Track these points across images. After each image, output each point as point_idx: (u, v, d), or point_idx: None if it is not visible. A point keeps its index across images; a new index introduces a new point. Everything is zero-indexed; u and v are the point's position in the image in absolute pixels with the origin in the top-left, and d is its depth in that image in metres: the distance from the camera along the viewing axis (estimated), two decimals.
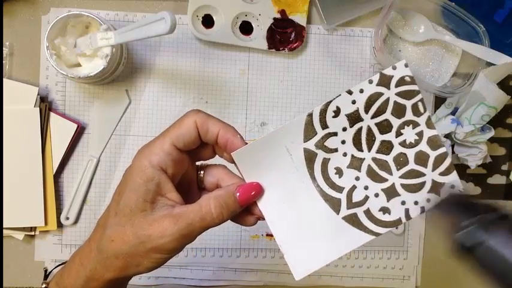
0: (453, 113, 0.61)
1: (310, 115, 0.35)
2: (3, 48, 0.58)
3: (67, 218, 0.60)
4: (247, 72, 0.62)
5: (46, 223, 0.58)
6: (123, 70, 0.60)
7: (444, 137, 0.61)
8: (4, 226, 0.57)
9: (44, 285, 0.38)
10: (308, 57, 0.63)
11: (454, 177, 0.36)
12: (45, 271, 0.41)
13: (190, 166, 0.37)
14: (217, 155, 0.38)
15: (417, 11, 0.62)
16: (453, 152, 0.63)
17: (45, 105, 0.58)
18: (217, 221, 0.34)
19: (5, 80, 0.57)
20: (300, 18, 0.60)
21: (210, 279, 0.63)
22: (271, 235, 0.63)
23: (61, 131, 0.58)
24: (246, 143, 0.35)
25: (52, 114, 0.58)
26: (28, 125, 0.57)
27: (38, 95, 0.57)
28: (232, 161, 0.35)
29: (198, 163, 0.38)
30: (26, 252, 0.60)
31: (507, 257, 0.30)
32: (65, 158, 0.59)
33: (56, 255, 0.60)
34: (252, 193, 0.35)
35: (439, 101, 0.64)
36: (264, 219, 0.36)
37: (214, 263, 0.63)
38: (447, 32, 0.63)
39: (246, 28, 0.60)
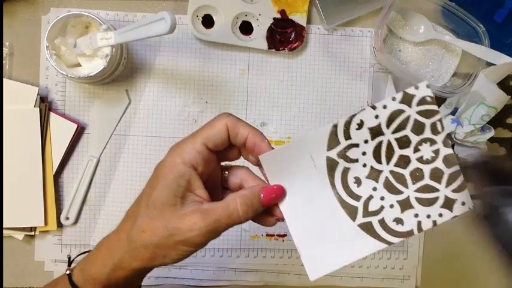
0: (453, 113, 0.62)
1: (335, 126, 0.37)
2: (3, 48, 0.58)
3: (67, 218, 0.60)
4: (247, 72, 0.62)
5: (46, 223, 0.58)
6: (123, 70, 0.60)
7: None
8: (4, 226, 0.57)
9: (68, 272, 0.39)
10: (308, 57, 0.63)
11: (465, 195, 0.37)
12: (69, 258, 0.42)
13: (216, 166, 0.38)
14: (242, 157, 0.39)
15: (417, 11, 0.62)
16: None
17: (45, 105, 0.58)
18: (242, 219, 0.35)
19: (5, 80, 0.57)
20: (300, 18, 0.60)
21: (210, 279, 0.63)
22: (271, 235, 0.63)
23: (61, 131, 0.58)
24: (273, 148, 0.36)
25: (52, 114, 0.58)
26: (28, 125, 0.57)
27: (38, 95, 0.57)
28: (257, 164, 0.37)
29: (222, 163, 0.39)
30: (26, 252, 0.60)
31: None
32: (65, 158, 0.59)
33: (56, 255, 0.60)
34: (275, 195, 0.37)
35: (439, 101, 0.64)
36: (283, 220, 0.38)
37: (214, 263, 0.63)
38: (447, 32, 0.63)
39: (246, 28, 0.61)
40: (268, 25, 0.60)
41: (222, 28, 0.59)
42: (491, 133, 0.61)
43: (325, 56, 0.63)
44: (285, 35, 0.61)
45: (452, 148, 0.62)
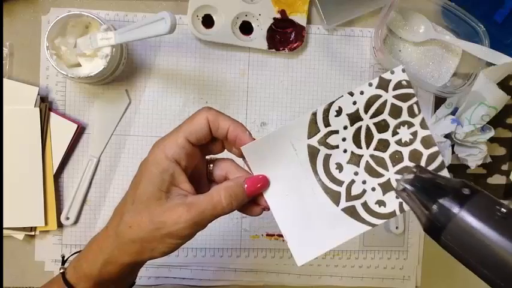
0: (453, 113, 0.61)
1: (315, 114, 0.37)
2: (3, 48, 0.58)
3: (67, 218, 0.60)
4: (247, 72, 0.62)
5: (46, 223, 0.58)
6: (123, 70, 0.60)
7: (444, 137, 0.61)
8: (4, 226, 0.57)
9: (61, 270, 0.40)
10: (308, 57, 0.63)
11: (444, 174, 0.38)
12: (63, 257, 0.43)
13: (200, 160, 0.39)
14: (226, 150, 0.40)
15: (417, 11, 0.62)
16: (453, 152, 0.63)
17: (45, 105, 0.58)
18: (226, 210, 0.36)
19: (5, 80, 0.57)
20: (300, 18, 0.60)
21: (210, 279, 0.63)
22: (271, 235, 0.63)
23: (61, 131, 0.58)
24: (254, 139, 0.37)
25: (52, 114, 0.58)
26: (28, 125, 0.57)
27: (38, 95, 0.57)
28: (241, 156, 0.37)
29: (207, 157, 0.40)
30: (26, 252, 0.60)
31: (481, 231, 0.30)
32: (65, 158, 0.59)
33: (56, 255, 0.60)
34: (259, 185, 0.37)
35: (439, 101, 0.64)
36: (269, 209, 0.38)
37: (214, 263, 0.63)
38: (447, 32, 0.63)
39: (246, 28, 0.60)
40: (268, 25, 0.60)
41: (222, 28, 0.59)
42: (491, 133, 0.61)
43: (325, 56, 0.63)
44: (285, 35, 0.61)
45: (452, 148, 0.62)
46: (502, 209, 0.30)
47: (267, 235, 0.63)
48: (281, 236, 0.63)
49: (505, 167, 0.67)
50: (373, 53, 0.62)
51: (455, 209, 0.31)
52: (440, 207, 0.32)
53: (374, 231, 0.65)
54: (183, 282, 0.62)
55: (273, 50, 0.61)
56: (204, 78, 0.61)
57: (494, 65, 0.59)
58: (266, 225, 0.63)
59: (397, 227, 0.64)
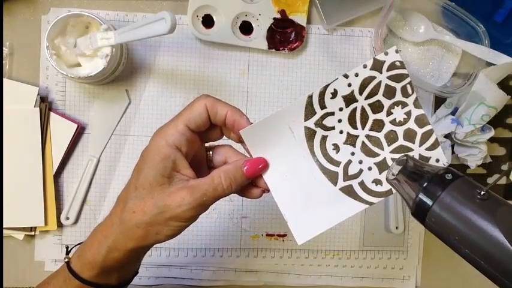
0: (453, 113, 0.61)
1: (310, 96, 0.38)
2: (3, 48, 0.58)
3: (67, 218, 0.60)
4: (247, 72, 0.62)
5: (46, 223, 0.58)
6: (123, 70, 0.60)
7: (444, 137, 0.61)
8: (4, 226, 0.57)
9: (66, 260, 0.40)
10: (308, 57, 0.63)
11: (438, 152, 0.39)
12: (67, 248, 0.44)
13: (200, 147, 0.40)
14: (224, 137, 0.40)
15: (417, 11, 0.62)
16: (453, 152, 0.63)
17: (45, 105, 0.58)
18: (227, 192, 0.37)
19: (5, 80, 0.57)
20: (300, 18, 0.60)
21: (210, 279, 0.63)
22: (271, 235, 0.63)
23: (61, 131, 0.58)
24: (252, 123, 0.37)
25: (52, 114, 0.58)
26: (28, 125, 0.57)
27: (38, 95, 0.57)
28: (239, 141, 0.38)
29: (206, 144, 0.41)
30: (26, 252, 0.60)
31: (461, 211, 0.32)
32: (65, 158, 0.59)
33: (56, 255, 0.60)
34: (259, 167, 0.38)
35: (439, 101, 0.64)
36: (268, 191, 0.39)
37: (214, 263, 0.63)
38: (447, 32, 0.63)
39: (246, 28, 0.60)
40: (268, 25, 0.60)
41: (222, 28, 0.59)
42: (491, 133, 0.61)
43: (325, 56, 0.63)
44: (285, 35, 0.61)
45: (452, 148, 0.62)
46: (482, 192, 0.32)
47: (267, 235, 0.63)
48: (281, 236, 0.63)
49: (505, 167, 0.67)
50: (373, 53, 0.62)
51: (438, 192, 0.33)
52: (425, 192, 0.34)
53: (374, 231, 0.65)
54: (183, 282, 0.62)
55: (273, 50, 0.61)
56: (204, 78, 0.61)
57: (494, 65, 0.59)
58: (266, 225, 0.63)
59: (397, 227, 0.64)
